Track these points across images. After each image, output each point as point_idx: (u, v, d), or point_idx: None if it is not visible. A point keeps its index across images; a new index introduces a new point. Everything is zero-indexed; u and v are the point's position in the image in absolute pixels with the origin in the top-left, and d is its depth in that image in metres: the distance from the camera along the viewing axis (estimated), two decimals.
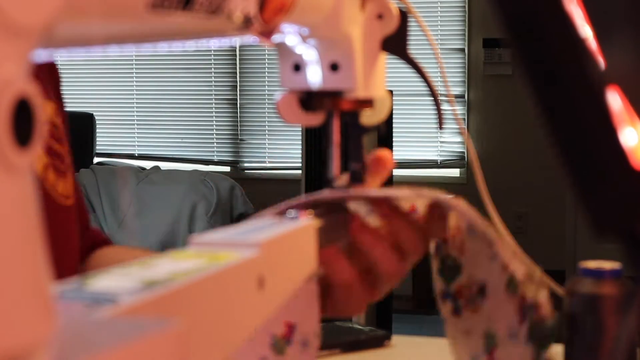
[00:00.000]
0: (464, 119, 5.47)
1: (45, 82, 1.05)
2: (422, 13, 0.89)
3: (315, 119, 0.91)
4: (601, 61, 0.58)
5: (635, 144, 0.58)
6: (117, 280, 0.57)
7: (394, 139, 3.76)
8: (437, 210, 0.85)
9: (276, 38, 0.76)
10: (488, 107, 5.49)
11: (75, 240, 1.03)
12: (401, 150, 5.18)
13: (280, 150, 5.74)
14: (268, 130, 5.84)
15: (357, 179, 0.90)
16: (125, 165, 5.56)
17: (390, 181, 1.00)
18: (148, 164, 5.64)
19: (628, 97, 0.58)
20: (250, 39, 0.74)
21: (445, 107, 0.89)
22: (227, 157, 5.96)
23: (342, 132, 0.90)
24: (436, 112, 0.88)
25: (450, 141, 5.50)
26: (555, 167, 0.58)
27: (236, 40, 0.74)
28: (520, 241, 0.90)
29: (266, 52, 5.79)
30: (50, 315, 0.42)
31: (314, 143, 3.72)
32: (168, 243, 4.48)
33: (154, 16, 0.58)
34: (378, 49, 0.88)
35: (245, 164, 5.93)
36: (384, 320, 3.54)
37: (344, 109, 0.88)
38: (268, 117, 5.82)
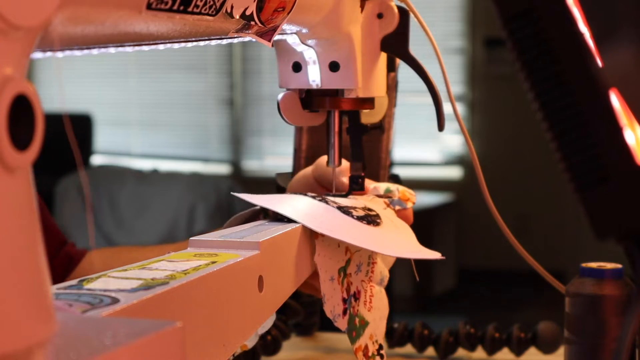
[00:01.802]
0: (465, 119, 5.47)
1: None
2: (422, 12, 0.89)
3: (316, 119, 0.91)
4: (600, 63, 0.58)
5: (633, 145, 0.58)
6: (117, 280, 0.57)
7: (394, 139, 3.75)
8: None
9: (276, 38, 0.76)
10: (489, 107, 5.49)
11: None
12: (401, 150, 5.19)
13: (280, 150, 5.74)
14: (268, 130, 5.84)
15: (356, 184, 0.90)
16: (124, 165, 5.56)
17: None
18: (147, 164, 5.64)
19: (626, 99, 0.58)
20: (250, 38, 0.73)
21: (446, 106, 0.89)
22: (227, 157, 5.96)
23: (341, 131, 0.90)
24: (437, 112, 0.88)
25: (451, 141, 5.50)
26: (557, 166, 0.58)
27: (236, 40, 0.74)
28: (521, 241, 0.90)
29: (266, 51, 5.79)
30: (49, 316, 0.42)
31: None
32: (168, 243, 4.47)
33: (153, 17, 0.58)
34: (378, 49, 0.88)
35: (245, 164, 5.94)
36: None
37: (344, 108, 0.88)
38: (268, 117, 5.82)
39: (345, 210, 0.82)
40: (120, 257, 1.07)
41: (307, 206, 0.81)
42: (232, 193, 0.84)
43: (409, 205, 0.91)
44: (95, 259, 1.07)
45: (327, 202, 0.83)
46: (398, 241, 0.84)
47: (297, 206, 0.80)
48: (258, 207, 0.85)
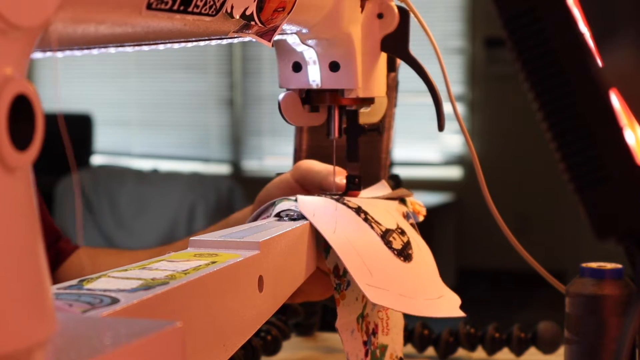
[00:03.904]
0: (465, 119, 5.46)
1: None
2: (422, 12, 0.89)
3: (317, 119, 0.91)
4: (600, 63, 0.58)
5: (633, 145, 0.58)
6: (117, 280, 0.57)
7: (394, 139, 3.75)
8: None
9: (276, 38, 0.76)
10: (489, 107, 5.49)
11: None
12: (401, 150, 5.19)
13: (280, 150, 5.74)
14: (268, 130, 5.84)
15: (352, 183, 0.90)
16: (124, 165, 5.56)
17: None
18: (147, 164, 5.64)
19: (626, 99, 0.58)
20: (250, 38, 0.73)
21: (446, 106, 0.89)
22: (227, 157, 5.96)
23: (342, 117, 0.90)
24: (437, 112, 0.88)
25: (451, 141, 5.50)
26: (557, 166, 0.58)
27: (236, 40, 0.74)
28: (521, 241, 0.90)
29: (266, 51, 5.79)
30: (49, 316, 0.42)
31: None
32: (167, 243, 4.46)
33: (153, 17, 0.58)
34: (378, 49, 0.88)
35: (245, 164, 5.94)
36: None
37: (344, 103, 0.88)
38: (268, 117, 5.82)
39: (387, 240, 0.82)
40: (106, 257, 1.07)
41: (357, 237, 0.80)
42: (299, 196, 0.83)
43: (421, 218, 0.91)
44: (76, 258, 1.07)
45: (371, 224, 0.82)
46: (426, 284, 0.84)
47: (348, 235, 0.80)
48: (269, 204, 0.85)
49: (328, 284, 0.86)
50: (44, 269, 0.42)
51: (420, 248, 0.87)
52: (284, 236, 0.74)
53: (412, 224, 0.90)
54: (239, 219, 0.94)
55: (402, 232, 0.85)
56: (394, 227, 0.85)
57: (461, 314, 0.83)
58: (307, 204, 0.81)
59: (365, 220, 0.82)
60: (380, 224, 0.83)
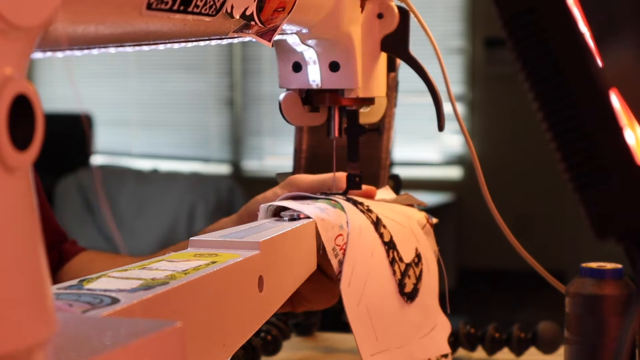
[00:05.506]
0: (465, 119, 5.46)
1: None
2: (422, 12, 0.89)
3: (317, 119, 0.90)
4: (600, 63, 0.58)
5: (633, 145, 0.58)
6: (117, 280, 0.57)
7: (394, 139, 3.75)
8: None
9: (276, 38, 0.76)
10: (489, 107, 5.49)
11: None
12: (401, 150, 5.18)
13: (280, 150, 5.74)
14: (268, 130, 5.84)
15: (353, 182, 0.89)
16: (124, 165, 5.55)
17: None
18: (147, 164, 5.63)
19: (626, 99, 0.58)
20: (250, 38, 0.73)
21: (446, 106, 0.89)
22: (227, 157, 5.96)
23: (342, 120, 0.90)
24: (437, 112, 0.88)
25: (451, 141, 5.50)
26: (557, 166, 0.58)
27: (236, 40, 0.74)
28: (521, 241, 0.90)
29: (266, 51, 5.79)
30: (49, 316, 0.42)
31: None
32: (167, 243, 4.46)
33: (153, 17, 0.58)
34: (378, 49, 0.88)
35: (245, 164, 5.94)
36: None
37: (344, 104, 0.88)
38: (268, 117, 5.81)
39: (403, 283, 0.84)
40: (102, 261, 1.06)
41: (375, 299, 0.82)
42: (351, 223, 0.83)
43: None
44: (79, 260, 1.07)
45: (394, 266, 0.83)
46: (423, 318, 0.86)
47: (368, 300, 0.81)
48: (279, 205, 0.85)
49: (333, 292, 0.86)
50: (44, 269, 0.42)
51: (429, 268, 0.88)
52: (284, 236, 0.74)
53: (434, 224, 0.92)
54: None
55: (418, 261, 0.86)
56: (412, 256, 0.86)
57: (448, 350, 0.87)
58: (355, 243, 0.81)
59: (392, 262, 0.83)
60: (402, 261, 0.84)
